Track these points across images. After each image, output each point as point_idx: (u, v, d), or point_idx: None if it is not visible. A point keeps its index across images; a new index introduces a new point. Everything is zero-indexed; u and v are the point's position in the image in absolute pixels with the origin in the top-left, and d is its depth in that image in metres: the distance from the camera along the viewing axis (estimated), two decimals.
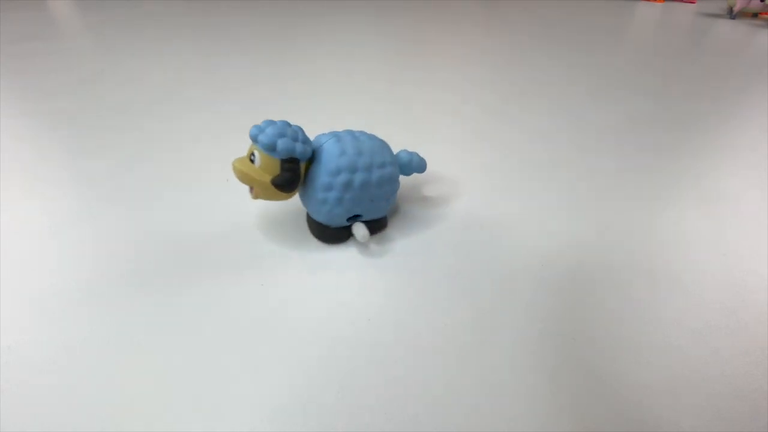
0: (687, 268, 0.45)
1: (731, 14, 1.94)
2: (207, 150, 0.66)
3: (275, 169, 0.39)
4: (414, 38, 1.38)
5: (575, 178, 0.61)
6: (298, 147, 0.39)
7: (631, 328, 0.38)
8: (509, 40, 1.40)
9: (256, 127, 0.39)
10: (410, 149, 0.59)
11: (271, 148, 0.38)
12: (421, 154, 0.66)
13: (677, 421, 0.31)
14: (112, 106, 0.81)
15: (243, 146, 0.68)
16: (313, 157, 0.42)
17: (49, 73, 0.97)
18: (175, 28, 1.42)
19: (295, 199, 0.53)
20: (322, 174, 0.41)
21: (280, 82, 0.96)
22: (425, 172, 0.61)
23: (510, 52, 1.26)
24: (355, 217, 0.45)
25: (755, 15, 2.05)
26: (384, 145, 0.45)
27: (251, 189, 0.41)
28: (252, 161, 0.40)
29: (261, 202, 0.54)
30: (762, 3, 1.86)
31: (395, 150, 0.62)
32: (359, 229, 0.44)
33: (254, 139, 0.39)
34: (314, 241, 0.48)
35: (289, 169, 0.40)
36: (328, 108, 0.83)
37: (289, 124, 0.40)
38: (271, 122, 0.39)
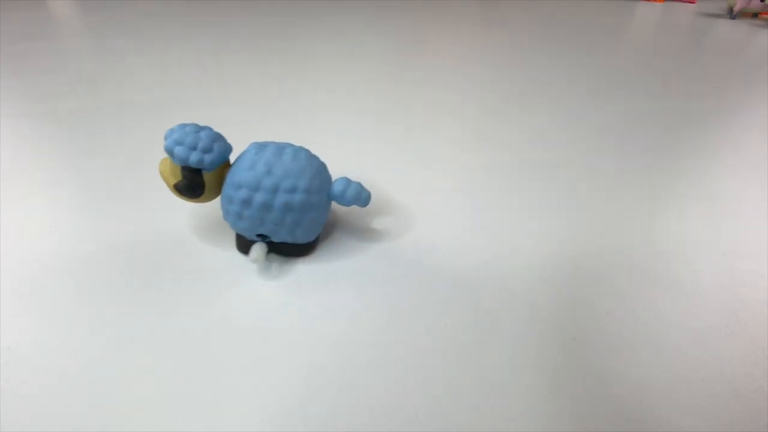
0: (687, 268, 0.45)
1: (731, 14, 1.94)
2: None
3: (178, 174, 0.40)
4: (413, 38, 1.38)
5: (575, 178, 0.61)
6: (194, 156, 0.38)
7: (631, 329, 0.38)
8: (509, 40, 1.40)
9: (168, 130, 0.39)
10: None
11: (170, 154, 0.39)
12: (421, 154, 0.66)
13: (677, 421, 0.31)
14: (112, 106, 0.81)
15: (242, 146, 0.68)
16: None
17: (49, 73, 0.97)
18: (175, 28, 1.42)
19: None
20: (227, 185, 0.40)
21: (280, 81, 0.96)
22: (424, 172, 0.61)
23: (510, 52, 1.26)
24: (264, 235, 0.42)
25: (755, 15, 2.05)
26: (307, 170, 0.40)
27: None
28: None
29: None
30: (762, 3, 1.86)
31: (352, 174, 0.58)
32: (253, 251, 0.41)
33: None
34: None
35: (187, 176, 0.39)
36: (328, 108, 0.83)
37: (196, 131, 0.39)
38: (181, 127, 0.39)
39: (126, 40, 1.26)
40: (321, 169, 0.42)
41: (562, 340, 0.37)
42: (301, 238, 0.43)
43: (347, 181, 0.43)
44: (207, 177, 0.41)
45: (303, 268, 0.44)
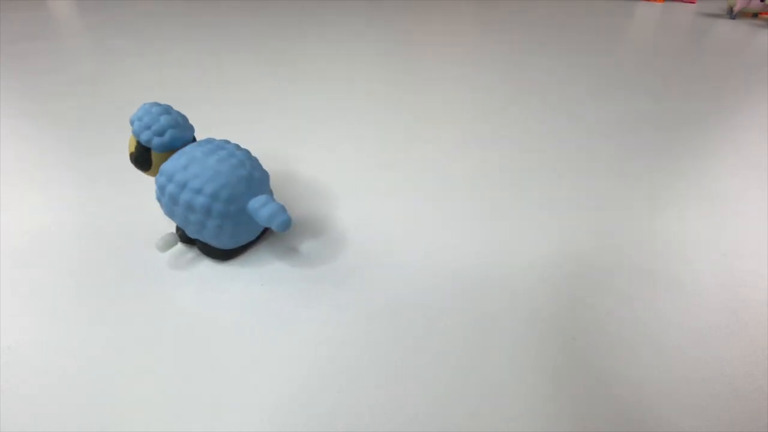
0: (687, 268, 0.45)
1: (731, 14, 1.94)
2: None
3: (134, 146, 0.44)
4: (413, 39, 1.38)
5: (575, 178, 0.61)
6: (144, 135, 0.42)
7: (631, 329, 0.38)
8: (508, 40, 1.40)
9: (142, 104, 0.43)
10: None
11: (131, 125, 0.43)
12: (420, 153, 0.66)
13: (677, 421, 0.31)
14: (111, 106, 0.81)
15: (242, 145, 0.68)
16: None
17: (49, 73, 0.97)
18: (175, 28, 1.42)
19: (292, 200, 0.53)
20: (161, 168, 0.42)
21: (279, 82, 0.96)
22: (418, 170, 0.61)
23: (509, 52, 1.26)
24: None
25: (755, 15, 2.05)
26: (222, 177, 0.39)
27: None
28: None
29: None
30: (762, 3, 1.86)
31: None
32: (159, 239, 0.42)
33: None
34: (312, 243, 0.48)
35: (139, 150, 0.43)
36: (328, 108, 0.83)
37: (159, 113, 0.42)
38: (150, 105, 0.42)
39: (126, 40, 1.26)
40: (245, 180, 0.41)
41: (562, 340, 0.37)
42: (211, 241, 0.42)
43: (266, 200, 0.41)
44: (156, 156, 0.43)
45: (304, 270, 0.44)
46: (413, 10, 1.87)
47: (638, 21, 1.82)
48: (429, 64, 1.12)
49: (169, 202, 0.40)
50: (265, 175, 0.44)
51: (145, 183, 0.58)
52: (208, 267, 0.44)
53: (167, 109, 0.43)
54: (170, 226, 0.50)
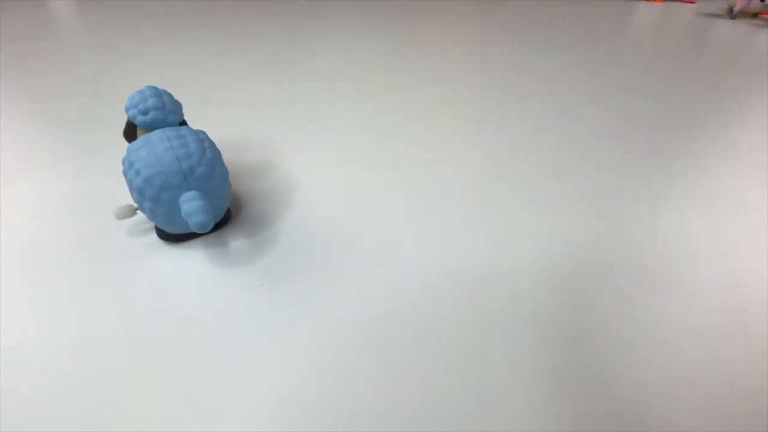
0: (687, 268, 0.45)
1: (731, 14, 1.94)
2: None
3: None
4: (412, 39, 1.38)
5: (575, 178, 0.61)
6: (131, 112, 0.47)
7: (631, 328, 0.38)
8: (508, 40, 1.40)
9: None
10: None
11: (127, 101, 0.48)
12: (421, 153, 0.66)
13: (677, 421, 0.31)
14: (112, 105, 0.81)
15: (242, 145, 0.68)
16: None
17: (49, 73, 0.97)
18: (175, 28, 1.42)
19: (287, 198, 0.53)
20: None
21: (279, 82, 0.96)
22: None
23: (509, 52, 1.26)
24: None
25: (755, 15, 2.05)
26: (161, 164, 0.41)
27: None
28: None
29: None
30: (762, 3, 1.86)
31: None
32: (116, 207, 0.47)
33: None
34: (311, 243, 0.48)
35: (126, 123, 0.49)
36: (327, 107, 0.83)
37: (149, 96, 0.46)
38: (146, 88, 0.47)
39: (126, 40, 1.26)
40: (183, 172, 0.42)
41: (562, 340, 0.37)
42: (152, 221, 0.45)
43: (193, 197, 0.41)
44: (140, 133, 0.48)
45: (304, 270, 0.44)
46: (413, 10, 1.87)
47: (638, 21, 1.82)
48: (429, 64, 1.12)
49: (127, 178, 0.44)
50: (214, 172, 0.44)
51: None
52: (204, 266, 0.44)
53: (158, 93, 0.47)
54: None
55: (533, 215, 0.53)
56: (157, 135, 0.43)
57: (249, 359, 0.35)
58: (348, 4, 1.95)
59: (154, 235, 0.48)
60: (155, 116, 0.46)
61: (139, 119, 0.46)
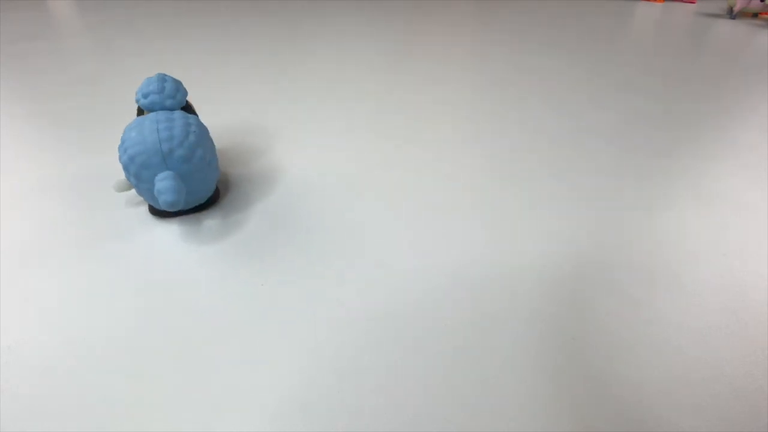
0: (687, 268, 0.45)
1: (731, 14, 1.94)
2: None
3: None
4: (412, 40, 1.38)
5: (575, 178, 0.61)
6: (137, 95, 0.50)
7: (631, 328, 0.38)
8: (508, 40, 1.40)
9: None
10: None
11: None
12: (421, 152, 0.66)
13: (677, 421, 0.31)
14: (112, 106, 0.81)
15: (242, 145, 0.68)
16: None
17: (49, 73, 0.97)
18: (175, 28, 1.42)
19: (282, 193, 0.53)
20: None
21: (280, 81, 0.96)
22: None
23: (509, 52, 1.26)
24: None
25: (755, 15, 2.05)
26: (143, 145, 0.45)
27: None
28: None
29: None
30: (762, 3, 1.86)
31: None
32: (116, 180, 0.51)
33: None
34: (310, 243, 0.48)
35: (138, 108, 0.53)
36: (328, 107, 0.83)
37: (154, 81, 0.50)
38: (158, 75, 0.51)
39: (126, 40, 1.26)
40: (163, 154, 0.45)
41: (562, 340, 0.37)
42: (139, 194, 0.49)
43: (165, 176, 0.45)
44: (144, 113, 0.52)
45: (304, 271, 0.44)
46: (413, 10, 1.87)
47: (638, 21, 1.82)
48: (429, 64, 1.12)
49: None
50: (194, 156, 0.47)
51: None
52: (202, 267, 0.44)
53: (162, 79, 0.50)
54: (174, 225, 0.50)
55: (533, 215, 0.53)
56: (150, 117, 0.47)
57: (249, 359, 0.35)
58: (348, 4, 1.95)
59: (147, 228, 0.48)
60: (153, 99, 0.49)
61: (141, 102, 0.50)
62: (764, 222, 0.53)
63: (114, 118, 0.76)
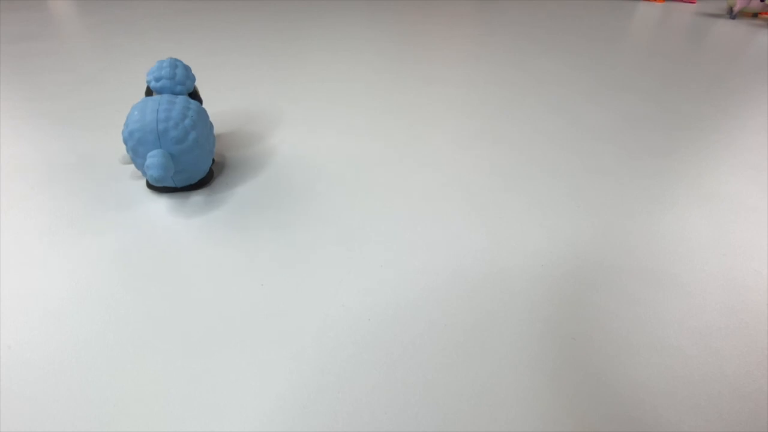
0: (687, 268, 0.45)
1: (731, 14, 1.94)
2: None
3: None
4: (413, 40, 1.38)
5: (575, 178, 0.61)
6: (148, 78, 0.55)
7: (630, 328, 0.38)
8: (509, 40, 1.40)
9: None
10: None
11: None
12: (420, 152, 0.66)
13: (677, 421, 0.31)
14: (112, 106, 0.81)
15: (241, 145, 0.68)
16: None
17: (50, 73, 0.97)
18: (175, 28, 1.42)
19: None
20: None
21: (279, 80, 0.96)
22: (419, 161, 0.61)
23: (509, 52, 1.26)
24: None
25: (755, 15, 2.05)
26: (141, 123, 0.49)
27: None
28: None
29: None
30: (762, 3, 1.86)
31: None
32: (123, 154, 0.59)
33: None
34: (310, 242, 0.48)
35: (146, 88, 0.58)
36: (328, 107, 0.83)
37: (164, 67, 0.54)
38: (170, 59, 0.56)
39: (126, 39, 1.26)
40: (158, 132, 0.49)
41: (562, 340, 0.37)
42: (137, 168, 0.53)
43: (156, 153, 0.49)
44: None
45: (304, 271, 0.44)
46: (412, 10, 1.87)
47: (638, 21, 1.82)
48: (429, 64, 1.12)
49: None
50: (186, 138, 0.50)
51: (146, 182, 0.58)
52: (203, 267, 0.44)
53: (174, 65, 0.55)
54: (175, 227, 0.50)
55: (533, 215, 0.53)
56: (154, 98, 0.51)
57: (248, 359, 0.35)
58: (349, 4, 1.95)
59: (146, 229, 0.48)
60: (164, 84, 0.54)
61: (152, 84, 0.54)
62: (764, 222, 0.53)
63: (114, 118, 0.76)
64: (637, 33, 1.58)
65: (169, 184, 0.54)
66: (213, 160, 0.61)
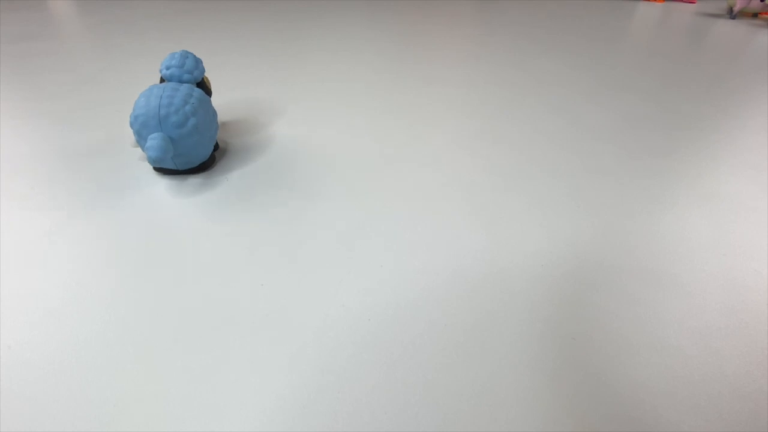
0: (687, 268, 0.45)
1: (731, 14, 1.94)
2: None
3: None
4: (413, 40, 1.38)
5: (575, 178, 0.61)
6: (161, 67, 0.58)
7: (630, 328, 0.38)
8: (509, 40, 1.40)
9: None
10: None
11: None
12: (420, 153, 0.66)
13: (677, 421, 0.31)
14: (112, 106, 0.81)
15: (242, 144, 0.68)
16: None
17: (50, 73, 0.97)
18: (175, 28, 1.42)
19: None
20: None
21: (279, 80, 0.96)
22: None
23: (509, 52, 1.26)
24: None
25: (755, 15, 2.05)
26: (146, 108, 0.52)
27: None
28: None
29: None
30: (762, 3, 1.86)
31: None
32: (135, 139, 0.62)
33: None
34: (309, 242, 0.48)
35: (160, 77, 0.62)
36: (328, 107, 0.83)
37: (176, 56, 0.58)
38: (183, 51, 0.60)
39: (126, 39, 1.26)
40: (159, 117, 0.52)
41: (562, 339, 0.37)
42: (144, 150, 0.55)
43: (156, 137, 0.52)
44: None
45: (303, 271, 0.44)
46: (412, 10, 1.87)
47: (638, 21, 1.82)
48: (429, 64, 1.12)
49: None
50: (186, 123, 0.53)
51: (147, 181, 0.58)
52: (202, 267, 0.44)
53: (185, 56, 0.59)
54: (175, 227, 0.50)
55: (533, 215, 0.53)
56: (161, 86, 0.55)
57: (249, 359, 0.35)
58: (349, 4, 1.95)
59: (146, 229, 0.48)
60: (173, 72, 0.58)
61: (162, 72, 0.58)
62: (764, 222, 0.53)
63: (114, 118, 0.76)
64: (637, 33, 1.58)
65: (170, 166, 0.57)
66: (217, 146, 0.64)
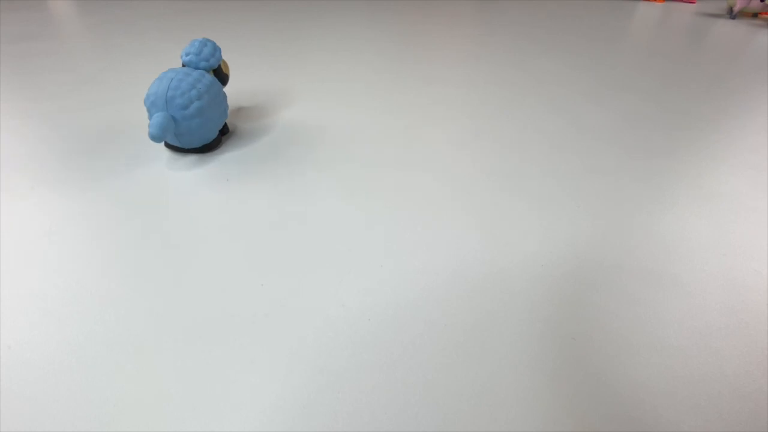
0: (687, 268, 0.45)
1: (731, 14, 1.94)
2: None
3: None
4: (413, 40, 1.38)
5: (575, 178, 0.61)
6: (182, 53, 0.64)
7: (630, 328, 0.38)
8: (509, 40, 1.40)
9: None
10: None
11: None
12: (420, 153, 0.66)
13: (677, 421, 0.31)
14: (112, 106, 0.81)
15: (242, 144, 0.68)
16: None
17: (49, 73, 0.97)
18: (175, 28, 1.42)
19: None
20: None
21: (280, 80, 0.96)
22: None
23: (509, 52, 1.26)
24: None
25: (755, 15, 2.05)
26: (156, 89, 0.57)
27: None
28: None
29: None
30: (762, 3, 1.86)
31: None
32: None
33: None
34: (309, 241, 0.48)
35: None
36: (326, 108, 0.83)
37: (195, 44, 0.63)
38: (203, 39, 0.64)
39: (126, 40, 1.26)
40: (166, 98, 0.57)
41: (562, 339, 0.37)
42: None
43: (158, 115, 0.56)
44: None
45: (303, 271, 0.44)
46: (412, 10, 1.87)
47: (638, 21, 1.82)
48: (429, 64, 1.12)
49: None
50: (190, 106, 0.57)
51: (147, 181, 0.58)
52: (202, 268, 0.44)
53: (204, 43, 0.64)
54: (176, 225, 0.50)
55: (533, 215, 0.53)
56: (174, 70, 0.60)
57: (249, 359, 0.35)
58: (349, 4, 1.95)
59: (146, 229, 0.48)
60: (191, 58, 0.63)
61: (182, 59, 0.64)
62: (764, 222, 0.53)
63: (114, 118, 0.76)
64: (637, 33, 1.58)
65: (174, 143, 0.61)
66: (227, 129, 0.69)
